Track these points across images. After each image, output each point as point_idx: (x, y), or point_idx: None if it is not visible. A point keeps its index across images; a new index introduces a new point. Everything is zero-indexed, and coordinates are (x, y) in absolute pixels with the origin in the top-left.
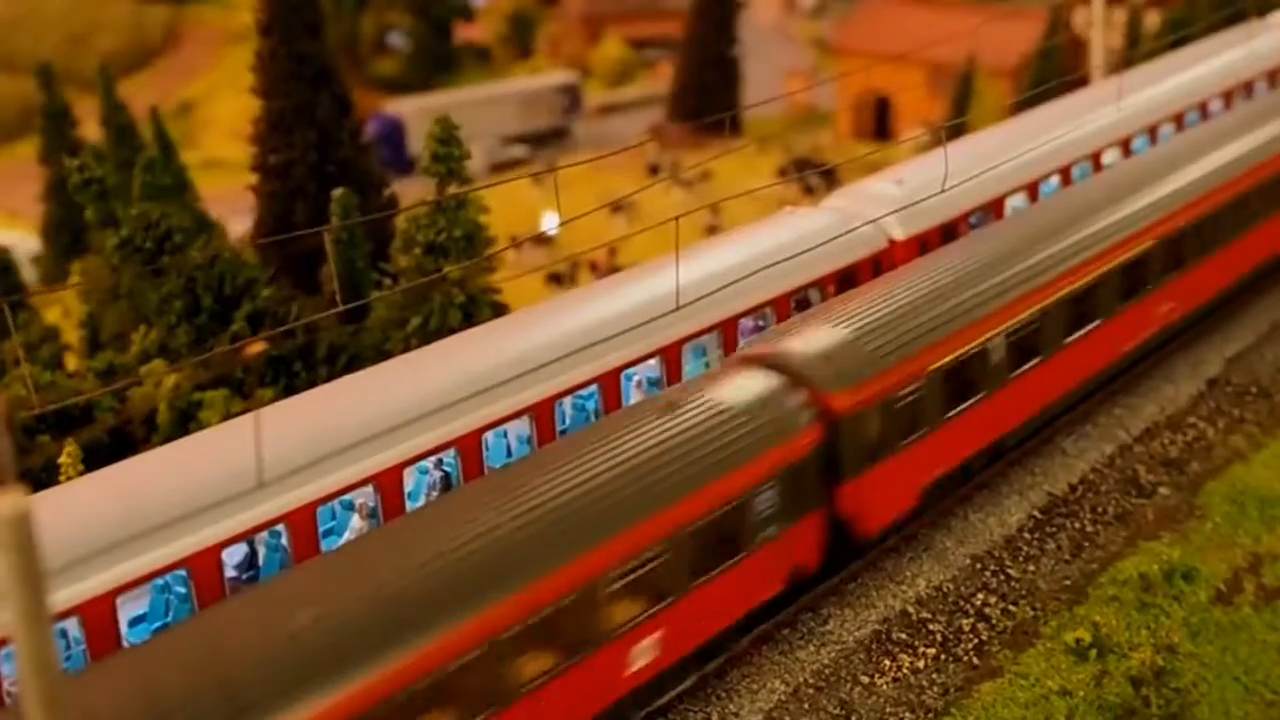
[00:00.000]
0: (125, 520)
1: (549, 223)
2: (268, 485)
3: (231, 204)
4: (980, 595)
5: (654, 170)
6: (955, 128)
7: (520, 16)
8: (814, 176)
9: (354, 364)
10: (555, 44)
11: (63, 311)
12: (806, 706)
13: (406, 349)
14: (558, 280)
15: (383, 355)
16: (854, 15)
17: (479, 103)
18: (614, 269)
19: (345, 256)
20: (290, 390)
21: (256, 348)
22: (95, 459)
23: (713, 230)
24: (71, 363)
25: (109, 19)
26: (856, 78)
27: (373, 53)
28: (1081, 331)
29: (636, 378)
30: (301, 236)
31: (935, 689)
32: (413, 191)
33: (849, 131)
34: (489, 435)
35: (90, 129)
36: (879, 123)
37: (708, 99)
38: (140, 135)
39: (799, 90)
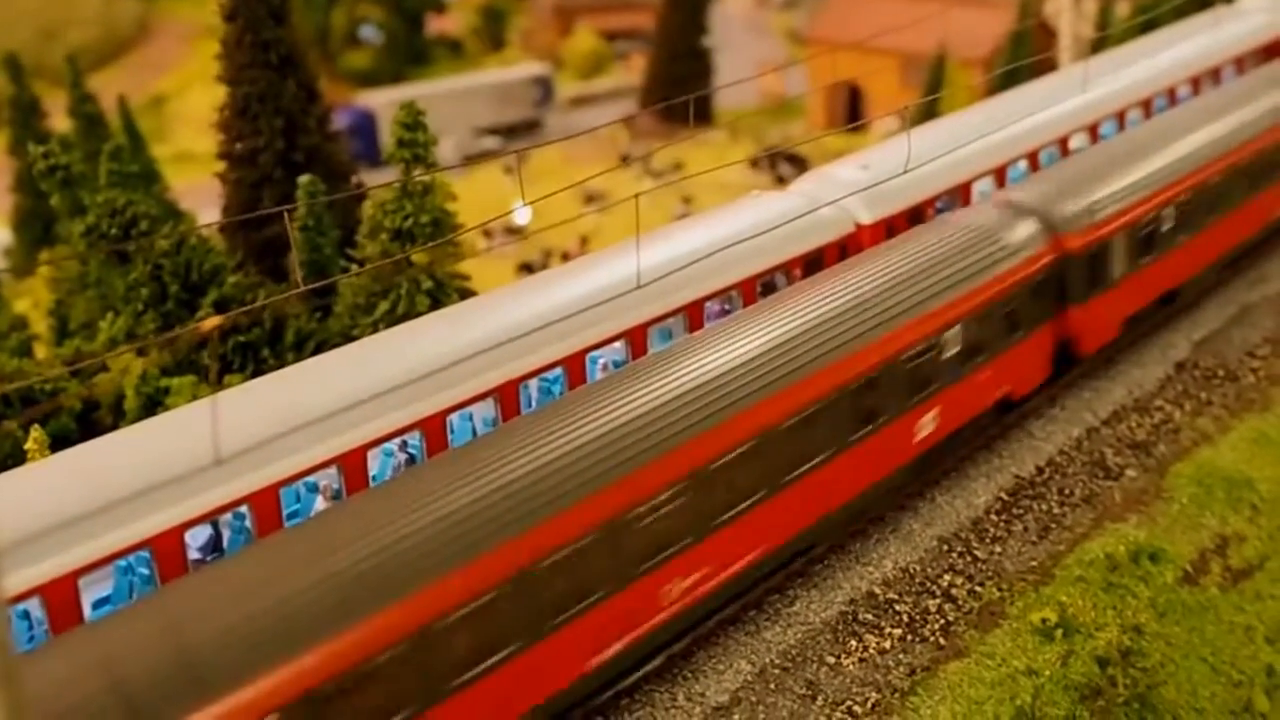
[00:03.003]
0: (84, 500)
1: (520, 212)
2: (225, 463)
3: (203, 196)
4: (947, 576)
5: (625, 160)
6: (922, 113)
7: (492, 9)
8: (786, 166)
9: (322, 350)
10: (527, 36)
11: (32, 302)
12: (773, 687)
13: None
14: (530, 270)
15: (350, 341)
16: (826, 6)
17: (451, 95)
18: None
19: (312, 243)
20: (258, 376)
21: (212, 321)
22: (64, 447)
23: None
24: (41, 351)
25: (80, 13)
26: (829, 68)
27: (345, 46)
28: (1242, 195)
29: (602, 360)
30: (263, 218)
31: (901, 669)
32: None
33: (822, 122)
34: (454, 417)
35: (60, 122)
36: (852, 113)
37: (680, 91)
38: (109, 126)
39: (767, 71)
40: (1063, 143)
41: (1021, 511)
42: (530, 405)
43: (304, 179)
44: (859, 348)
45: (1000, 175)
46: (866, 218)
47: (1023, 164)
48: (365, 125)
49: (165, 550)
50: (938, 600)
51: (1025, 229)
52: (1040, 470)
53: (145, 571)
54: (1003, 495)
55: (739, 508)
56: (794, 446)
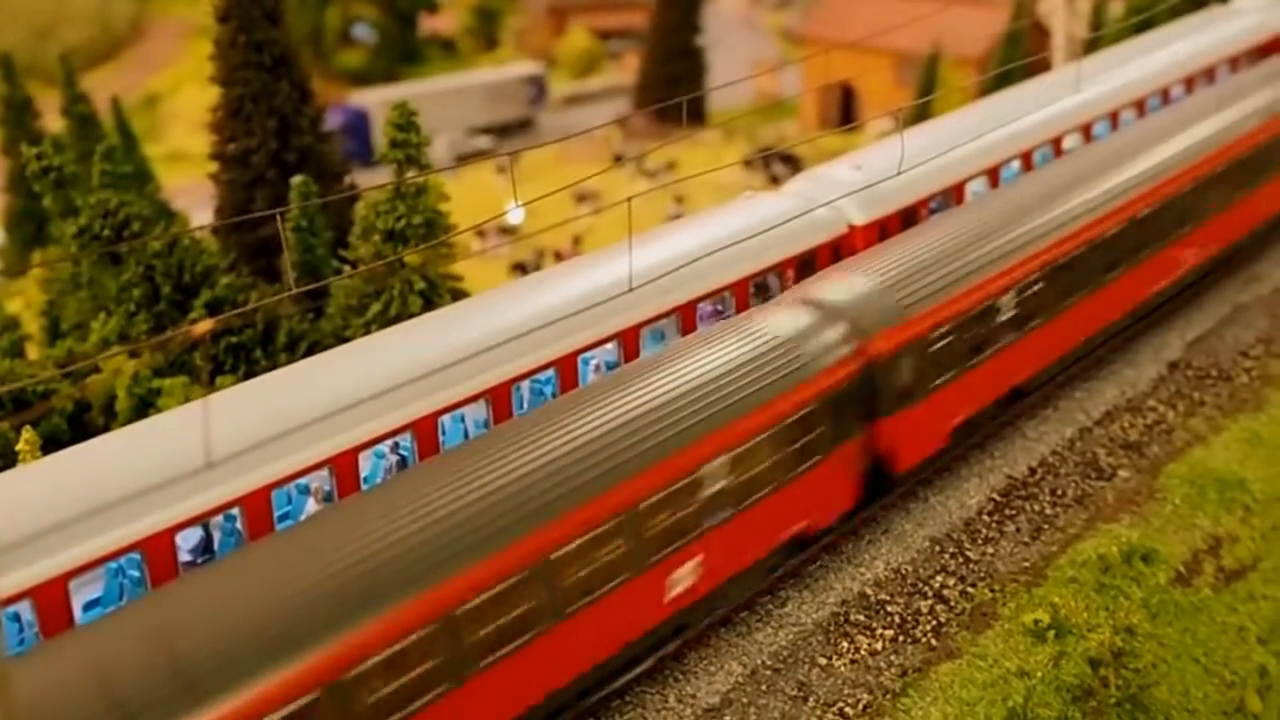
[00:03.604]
0: (75, 502)
1: (513, 213)
2: (216, 465)
3: (196, 196)
4: (939, 577)
5: (619, 160)
6: (915, 113)
7: (485, 8)
8: (780, 166)
9: (314, 351)
10: (521, 35)
11: (24, 303)
12: (764, 688)
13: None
14: (523, 270)
15: (343, 342)
16: (820, 5)
17: (445, 94)
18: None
19: (305, 244)
20: (250, 378)
21: (204, 326)
22: (56, 448)
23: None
24: (33, 352)
25: (75, 12)
26: (822, 68)
27: (338, 45)
28: None
29: (594, 361)
30: (256, 220)
31: (893, 670)
32: (376, 182)
33: (815, 122)
34: (445, 419)
35: (54, 122)
36: (845, 113)
37: (674, 90)
38: (102, 126)
39: (762, 72)
40: (1056, 143)
41: (1014, 512)
42: (523, 407)
43: (297, 179)
44: (1217, 148)
45: (994, 176)
46: (860, 219)
47: (1016, 164)
48: (358, 124)
49: (156, 552)
50: (929, 601)
51: None
52: (1033, 470)
53: (136, 574)
54: (995, 496)
55: (1149, 250)
56: (1185, 214)
